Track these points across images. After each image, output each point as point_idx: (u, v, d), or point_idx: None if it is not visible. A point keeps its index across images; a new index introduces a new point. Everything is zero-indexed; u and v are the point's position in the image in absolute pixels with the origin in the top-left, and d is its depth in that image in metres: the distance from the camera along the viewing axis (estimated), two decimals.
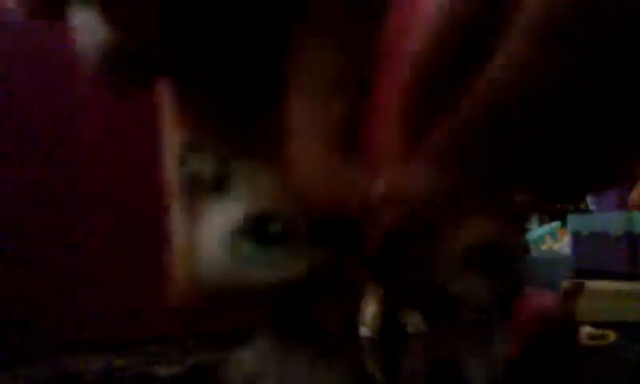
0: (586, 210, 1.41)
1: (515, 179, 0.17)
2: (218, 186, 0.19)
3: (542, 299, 0.36)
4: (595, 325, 0.45)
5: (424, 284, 0.17)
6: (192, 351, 0.42)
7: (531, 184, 0.18)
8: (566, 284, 0.44)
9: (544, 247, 1.06)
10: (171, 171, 0.19)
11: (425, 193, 0.16)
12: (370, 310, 0.22)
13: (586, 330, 0.44)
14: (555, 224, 1.14)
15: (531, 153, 0.16)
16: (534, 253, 0.80)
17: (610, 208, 1.13)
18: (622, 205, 1.02)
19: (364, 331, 0.20)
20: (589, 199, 1.47)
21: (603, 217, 0.95)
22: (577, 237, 0.99)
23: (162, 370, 0.37)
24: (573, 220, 1.02)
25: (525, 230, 0.19)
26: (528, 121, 0.15)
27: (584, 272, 0.88)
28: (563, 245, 1.08)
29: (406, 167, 0.16)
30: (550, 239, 1.08)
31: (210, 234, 0.18)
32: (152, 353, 0.43)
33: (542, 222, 1.13)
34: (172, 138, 0.19)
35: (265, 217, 0.18)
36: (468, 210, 0.17)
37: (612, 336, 0.44)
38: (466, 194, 0.16)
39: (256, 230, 0.18)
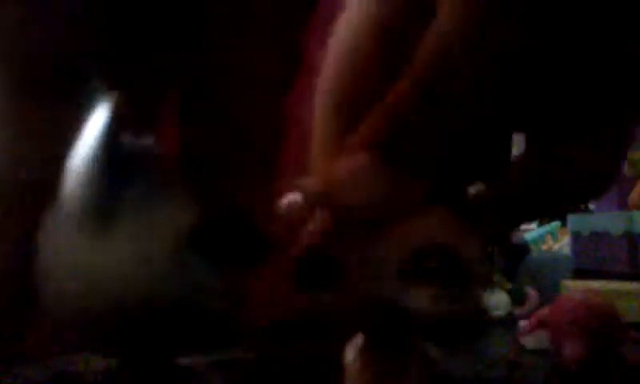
0: (586, 210, 1.41)
1: (464, 172, 0.15)
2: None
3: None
4: None
5: (365, 297, 0.14)
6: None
7: (482, 177, 0.16)
8: None
9: (544, 247, 1.06)
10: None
11: (365, 188, 0.14)
12: None
13: None
14: (555, 224, 1.14)
15: (475, 143, 0.15)
16: (534, 253, 0.80)
17: (609, 208, 1.13)
18: (622, 205, 1.02)
19: None
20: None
21: (603, 217, 0.95)
22: (577, 237, 0.99)
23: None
24: (573, 220, 1.02)
25: (482, 236, 0.16)
26: (457, 103, 0.14)
27: (584, 272, 0.88)
28: (563, 245, 1.08)
29: (343, 162, 0.15)
30: (550, 239, 1.08)
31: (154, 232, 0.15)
32: None
33: (541, 222, 1.13)
34: None
35: (225, 226, 0.16)
36: (414, 208, 0.15)
37: None
38: (411, 189, 0.14)
39: (209, 241, 0.15)
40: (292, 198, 0.16)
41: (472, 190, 0.15)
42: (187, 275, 0.15)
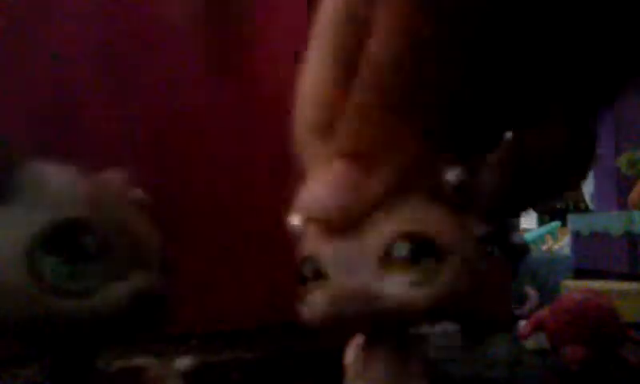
0: (586, 210, 1.41)
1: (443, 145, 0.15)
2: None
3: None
4: None
5: (343, 291, 0.15)
6: (193, 350, 0.42)
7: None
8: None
9: (544, 247, 1.06)
10: None
11: (339, 196, 0.15)
12: None
13: None
14: (555, 224, 1.14)
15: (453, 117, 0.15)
16: (533, 253, 0.80)
17: (610, 208, 1.13)
18: (622, 205, 1.02)
19: None
20: (589, 199, 1.47)
21: (603, 217, 0.95)
22: (577, 237, 0.99)
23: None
24: (573, 220, 1.02)
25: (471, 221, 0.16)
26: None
27: (584, 272, 0.88)
28: (563, 245, 1.08)
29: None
30: (550, 239, 1.08)
31: None
32: (153, 352, 0.43)
33: (541, 222, 1.13)
34: None
35: (73, 226, 0.14)
36: (387, 199, 0.15)
37: None
38: (378, 186, 0.15)
39: (62, 243, 0.14)
40: (294, 219, 0.17)
41: (450, 175, 0.15)
42: (37, 275, 0.14)
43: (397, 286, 0.14)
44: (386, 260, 0.15)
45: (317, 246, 0.16)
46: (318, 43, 0.20)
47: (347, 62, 0.19)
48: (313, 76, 0.20)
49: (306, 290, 0.16)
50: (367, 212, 0.15)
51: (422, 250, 0.15)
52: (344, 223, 0.15)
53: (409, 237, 0.15)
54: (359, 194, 0.15)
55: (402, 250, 0.15)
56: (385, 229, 0.15)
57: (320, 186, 0.15)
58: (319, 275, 0.15)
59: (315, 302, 0.15)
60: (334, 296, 0.15)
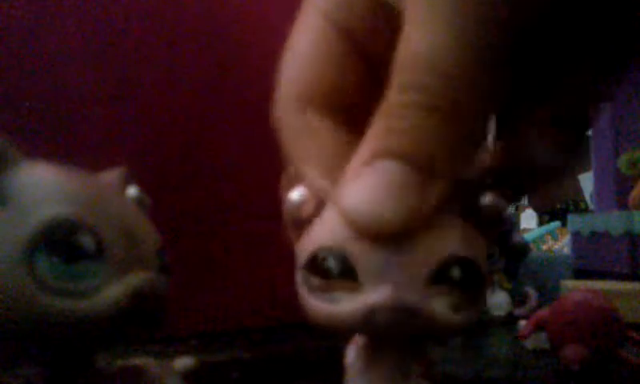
0: (586, 210, 1.41)
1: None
2: None
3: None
4: None
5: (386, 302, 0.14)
6: (194, 351, 0.42)
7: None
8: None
9: (544, 247, 1.06)
10: None
11: (398, 200, 0.13)
12: None
13: None
14: (555, 224, 1.14)
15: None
16: (533, 253, 0.79)
17: (610, 208, 1.13)
18: (622, 205, 1.02)
19: None
20: (589, 199, 1.47)
21: (603, 217, 0.94)
22: (577, 237, 0.99)
23: None
24: (573, 220, 1.02)
25: (495, 242, 0.16)
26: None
27: (584, 272, 0.88)
28: (563, 245, 1.08)
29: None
30: (550, 239, 1.08)
31: None
32: (153, 352, 0.43)
33: (541, 222, 1.13)
34: None
35: (72, 226, 0.14)
36: (435, 219, 0.14)
37: None
38: (438, 196, 0.14)
39: (61, 243, 0.14)
40: (300, 191, 0.16)
41: (485, 200, 0.15)
42: (36, 275, 0.14)
43: (443, 307, 0.14)
44: (436, 279, 0.14)
45: (347, 241, 0.15)
46: (306, 24, 0.19)
47: (345, 49, 0.18)
48: (304, 54, 0.18)
49: (324, 285, 0.15)
50: (424, 223, 0.14)
51: (471, 277, 0.15)
52: (397, 231, 0.14)
53: (462, 261, 0.14)
54: (420, 202, 0.14)
55: (456, 273, 0.14)
56: (438, 246, 0.14)
57: (373, 187, 0.14)
58: (346, 274, 0.15)
59: (342, 304, 0.15)
60: (370, 305, 0.14)
